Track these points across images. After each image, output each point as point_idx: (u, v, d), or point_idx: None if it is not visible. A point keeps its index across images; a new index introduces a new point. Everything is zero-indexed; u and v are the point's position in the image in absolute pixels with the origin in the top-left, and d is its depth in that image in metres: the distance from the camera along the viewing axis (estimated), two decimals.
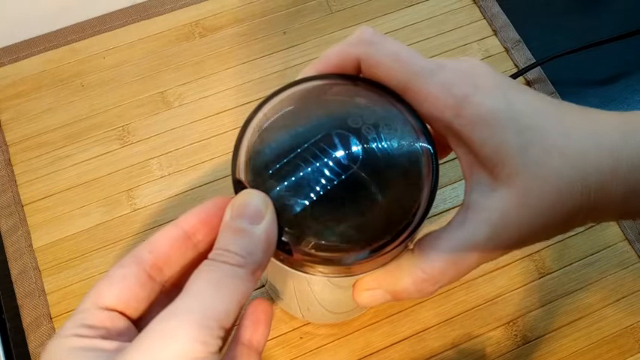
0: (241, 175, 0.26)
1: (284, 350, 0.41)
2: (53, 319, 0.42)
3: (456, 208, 0.32)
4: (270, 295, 0.42)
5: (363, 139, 0.25)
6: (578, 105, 0.26)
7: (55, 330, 0.42)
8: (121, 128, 0.48)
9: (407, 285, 0.26)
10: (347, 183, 0.25)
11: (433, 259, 0.25)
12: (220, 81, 0.50)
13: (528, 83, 0.50)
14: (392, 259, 0.27)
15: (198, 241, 0.24)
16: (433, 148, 0.26)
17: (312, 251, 0.25)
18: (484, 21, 0.53)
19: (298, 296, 0.36)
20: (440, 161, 0.27)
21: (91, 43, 0.52)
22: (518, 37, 0.52)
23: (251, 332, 0.24)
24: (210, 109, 0.49)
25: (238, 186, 0.25)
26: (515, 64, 0.51)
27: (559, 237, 0.45)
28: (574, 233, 0.45)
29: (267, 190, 0.24)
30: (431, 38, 0.52)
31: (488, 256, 0.25)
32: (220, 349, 0.21)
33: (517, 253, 0.44)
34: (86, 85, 0.50)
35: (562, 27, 0.54)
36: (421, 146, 0.26)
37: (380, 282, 0.27)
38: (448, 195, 0.46)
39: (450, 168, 0.47)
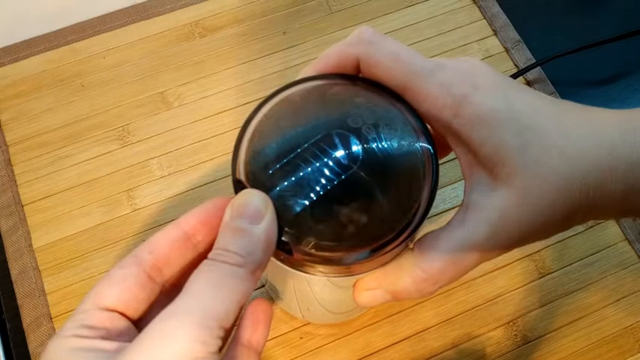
0: (241, 175, 0.26)
1: (284, 350, 0.41)
2: (53, 319, 0.42)
3: (456, 208, 0.32)
4: (270, 295, 0.42)
5: (363, 139, 0.25)
6: (577, 104, 0.26)
7: (55, 330, 0.42)
8: (121, 128, 0.48)
9: (407, 285, 0.26)
10: (347, 183, 0.25)
11: (433, 258, 0.25)
12: (220, 81, 0.50)
13: (528, 83, 0.50)
14: (392, 259, 0.27)
15: (198, 242, 0.24)
16: (433, 148, 0.26)
17: (312, 251, 0.25)
18: (484, 21, 0.53)
19: (298, 296, 0.36)
20: (440, 161, 0.27)
21: (91, 43, 0.52)
22: (518, 37, 0.52)
23: (250, 332, 0.24)
24: (210, 109, 0.49)
25: (238, 186, 0.25)
26: (515, 64, 0.51)
27: (559, 237, 0.45)
28: (574, 233, 0.45)
29: (267, 190, 0.24)
30: (431, 38, 0.52)
31: (488, 255, 0.25)
32: (220, 349, 0.21)
33: (517, 253, 0.44)
34: (86, 85, 0.50)
35: (562, 27, 0.54)
36: (421, 146, 0.26)
37: (380, 282, 0.27)
38: (448, 195, 0.46)
39: (450, 168, 0.47)
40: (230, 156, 0.26)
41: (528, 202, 0.24)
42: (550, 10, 0.55)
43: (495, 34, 0.52)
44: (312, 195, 0.24)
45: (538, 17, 0.54)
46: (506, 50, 0.51)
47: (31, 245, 0.44)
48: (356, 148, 0.25)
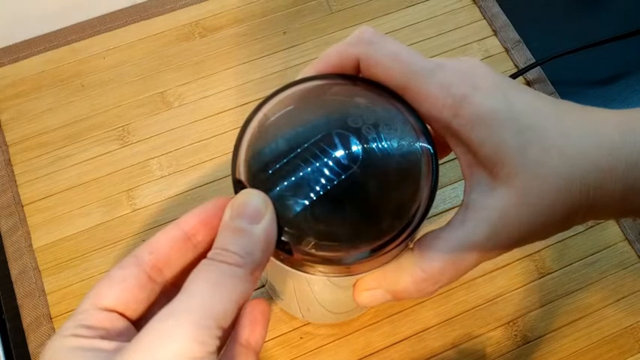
0: (241, 175, 0.26)
1: (284, 350, 0.41)
2: (53, 319, 0.42)
3: (456, 208, 0.32)
4: (270, 295, 0.42)
5: (363, 139, 0.25)
6: (577, 104, 0.26)
7: (55, 330, 0.42)
8: (121, 128, 0.48)
9: (407, 285, 0.26)
10: (347, 183, 0.25)
11: (433, 258, 0.25)
12: (220, 81, 0.50)
13: (528, 83, 0.50)
14: (392, 259, 0.27)
15: (198, 242, 0.24)
16: (433, 148, 0.26)
17: (312, 251, 0.25)
18: (484, 21, 0.53)
19: (298, 296, 0.36)
20: (440, 161, 0.27)
21: (91, 43, 0.52)
22: (518, 37, 0.52)
23: (249, 332, 0.24)
24: (210, 109, 0.49)
25: (238, 186, 0.25)
26: (515, 64, 0.51)
27: (559, 237, 0.45)
28: (574, 233, 0.45)
29: (267, 190, 0.24)
30: (431, 38, 0.52)
31: (488, 255, 0.25)
32: (219, 349, 0.21)
33: (517, 253, 0.44)
34: (86, 85, 0.50)
35: (562, 27, 0.54)
36: (421, 146, 0.26)
37: (380, 282, 0.27)
38: (448, 195, 0.46)
39: (450, 168, 0.47)
40: (230, 156, 0.26)
41: (528, 202, 0.24)
42: (550, 10, 0.55)
43: (495, 34, 0.52)
44: (312, 195, 0.24)
45: (538, 17, 0.54)
46: (506, 50, 0.51)
47: (31, 245, 0.44)
48: (356, 148, 0.25)
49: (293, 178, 0.25)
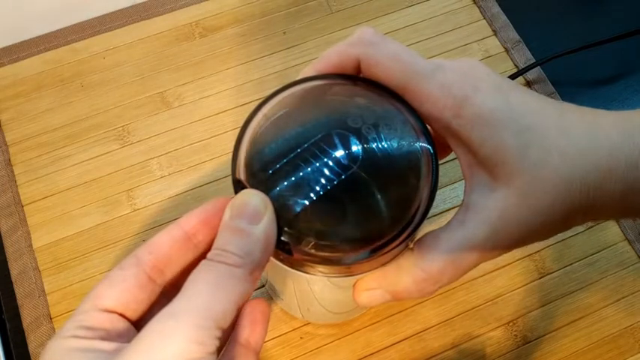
0: (241, 175, 0.26)
1: (284, 350, 0.41)
2: (53, 320, 0.42)
3: (456, 208, 0.32)
4: (270, 295, 0.42)
5: (363, 139, 0.25)
6: (577, 105, 0.26)
7: (55, 330, 0.42)
8: (121, 128, 0.48)
9: (407, 285, 0.26)
10: (347, 183, 0.25)
11: (433, 258, 0.25)
12: (220, 81, 0.50)
13: (528, 83, 0.50)
14: (392, 259, 0.27)
15: (198, 242, 0.24)
16: (433, 148, 0.26)
17: (312, 251, 0.25)
18: (484, 21, 0.53)
19: (298, 296, 0.36)
20: (440, 161, 0.27)
21: (91, 43, 0.52)
22: (518, 37, 0.52)
23: (249, 332, 0.24)
24: (210, 110, 0.49)
25: (238, 186, 0.25)
26: (515, 65, 0.51)
27: (559, 237, 0.45)
28: (574, 233, 0.45)
29: (266, 190, 0.24)
30: (431, 38, 0.52)
31: (488, 255, 0.25)
32: (219, 350, 0.21)
33: (517, 253, 0.44)
34: (86, 85, 0.50)
35: (562, 27, 0.54)
36: (421, 146, 0.26)
37: (380, 282, 0.27)
38: (448, 195, 0.46)
39: (450, 168, 0.47)
40: (230, 156, 0.26)
41: (528, 202, 0.24)
42: (550, 10, 0.55)
43: (495, 35, 0.52)
44: (311, 195, 0.24)
45: (538, 17, 0.54)
46: (506, 50, 0.51)
47: (31, 245, 0.44)
48: (356, 148, 0.25)
49: (293, 178, 0.25)
